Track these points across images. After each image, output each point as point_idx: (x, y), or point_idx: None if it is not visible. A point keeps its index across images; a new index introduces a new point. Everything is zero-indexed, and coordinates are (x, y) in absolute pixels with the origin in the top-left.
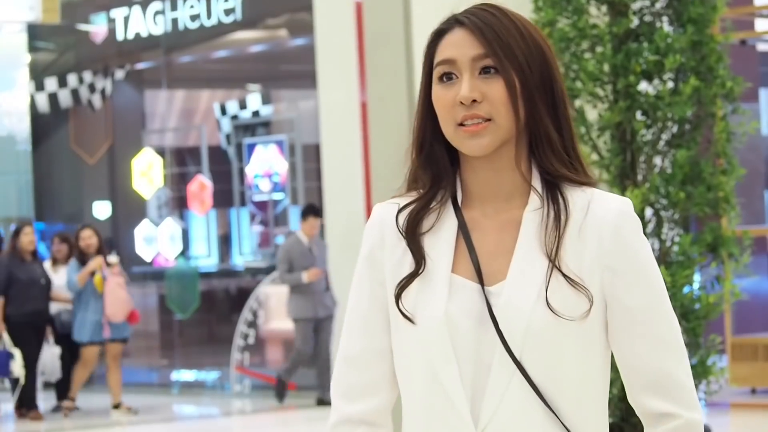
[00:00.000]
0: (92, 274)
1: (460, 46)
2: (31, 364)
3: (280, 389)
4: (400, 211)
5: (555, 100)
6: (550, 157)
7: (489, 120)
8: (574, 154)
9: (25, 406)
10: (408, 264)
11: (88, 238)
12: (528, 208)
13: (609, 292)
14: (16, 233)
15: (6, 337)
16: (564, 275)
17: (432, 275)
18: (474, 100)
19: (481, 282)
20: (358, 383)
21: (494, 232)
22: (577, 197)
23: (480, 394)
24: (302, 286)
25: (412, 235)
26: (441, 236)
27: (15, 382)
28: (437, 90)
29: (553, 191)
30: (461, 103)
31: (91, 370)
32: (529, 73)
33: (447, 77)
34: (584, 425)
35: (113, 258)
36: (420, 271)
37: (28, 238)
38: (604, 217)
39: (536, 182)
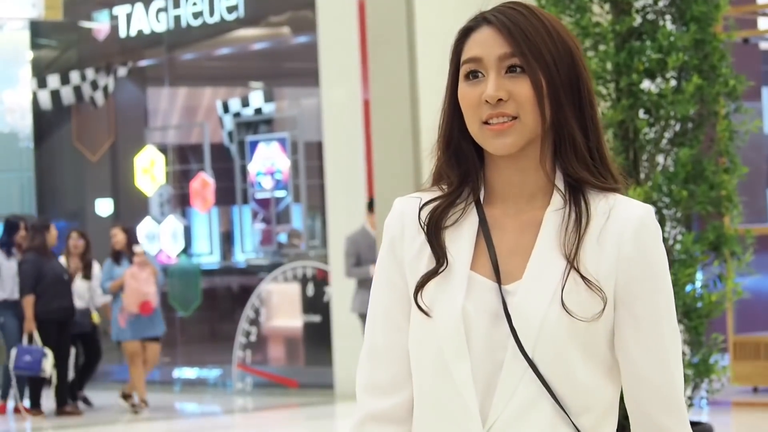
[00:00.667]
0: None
1: (487, 45)
2: (62, 360)
3: None
4: (423, 205)
5: (582, 102)
6: (573, 160)
7: (515, 118)
8: (599, 156)
9: (63, 402)
10: (426, 258)
11: (115, 236)
12: (549, 209)
13: (620, 298)
14: (42, 229)
15: (36, 335)
16: (582, 276)
17: (451, 272)
18: (500, 99)
19: (498, 280)
20: (384, 379)
21: (515, 231)
22: (599, 201)
23: (491, 391)
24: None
25: (435, 231)
26: (462, 233)
27: (29, 381)
28: (463, 88)
29: (576, 194)
30: (487, 101)
31: (142, 365)
32: (556, 74)
33: (473, 75)
34: (593, 425)
35: (138, 248)
36: (441, 270)
37: (57, 234)
38: (626, 223)
39: (559, 183)
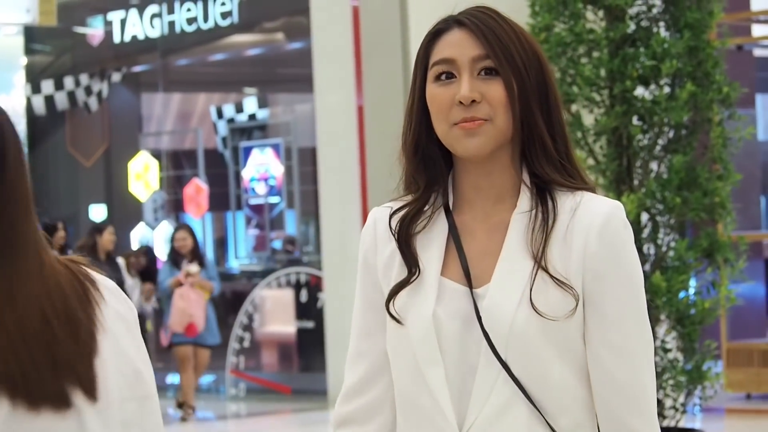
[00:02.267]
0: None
1: (460, 46)
2: None
3: None
4: (394, 213)
5: (549, 105)
6: (542, 161)
7: (487, 121)
8: (567, 159)
9: None
10: (397, 266)
11: (182, 240)
12: (516, 211)
13: (588, 295)
14: (97, 232)
15: None
16: (551, 276)
17: (422, 278)
18: (473, 101)
19: (470, 284)
20: (351, 383)
21: (484, 235)
22: (566, 200)
23: (466, 395)
24: None
25: (405, 238)
26: (432, 239)
27: None
28: (433, 89)
29: (542, 194)
30: (460, 103)
31: (192, 370)
32: (527, 77)
33: (446, 76)
34: (570, 425)
35: (193, 268)
36: (412, 279)
37: (111, 238)
38: (592, 220)
39: (527, 185)
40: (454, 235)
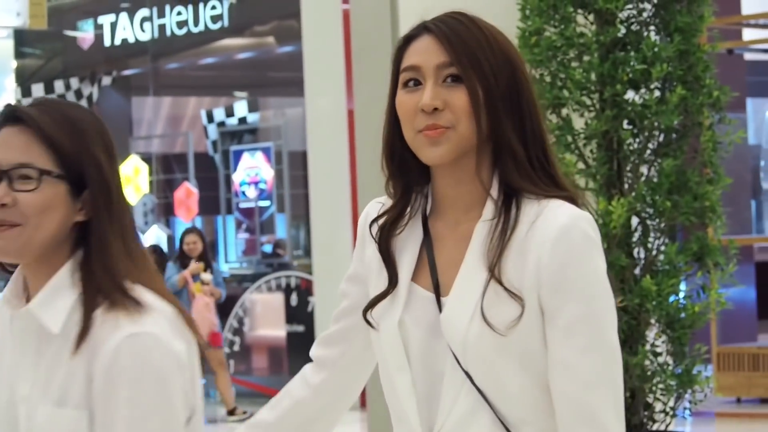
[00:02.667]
0: (192, 278)
1: (425, 53)
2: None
3: None
4: (377, 218)
5: (522, 113)
6: (512, 168)
7: (451, 128)
8: (539, 166)
9: None
10: (376, 269)
11: (192, 243)
12: (480, 220)
13: (545, 310)
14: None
15: None
16: (504, 287)
17: (395, 285)
18: (436, 108)
19: (437, 292)
20: (327, 334)
21: (452, 243)
22: (530, 209)
23: (435, 401)
24: None
25: (386, 246)
26: (407, 246)
27: None
28: (401, 95)
29: (509, 203)
30: (423, 110)
31: (227, 374)
32: (495, 84)
33: (413, 83)
34: None
35: (207, 276)
36: (391, 291)
37: (192, 246)
38: (549, 231)
39: (494, 193)
40: (426, 242)
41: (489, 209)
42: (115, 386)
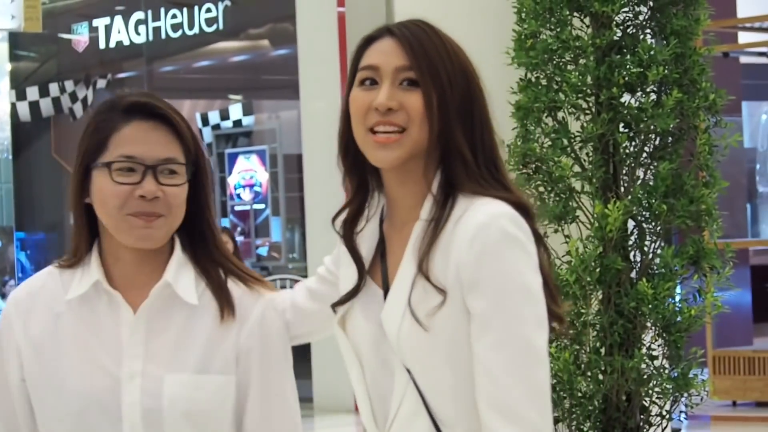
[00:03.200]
0: None
1: (386, 54)
2: None
3: None
4: (337, 215)
5: (473, 121)
6: (460, 170)
7: (403, 131)
8: (487, 171)
9: None
10: (345, 265)
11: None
12: (419, 219)
13: (468, 304)
14: None
15: None
16: (430, 282)
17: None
18: (390, 109)
19: (386, 292)
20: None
21: (398, 244)
22: (461, 207)
23: (388, 397)
24: None
25: (350, 243)
26: (365, 246)
27: None
28: (355, 92)
29: (445, 202)
30: (377, 109)
31: None
32: (449, 92)
33: (370, 82)
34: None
35: None
36: (360, 290)
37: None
38: (467, 228)
39: (434, 194)
40: (380, 243)
41: (426, 209)
42: (272, 345)
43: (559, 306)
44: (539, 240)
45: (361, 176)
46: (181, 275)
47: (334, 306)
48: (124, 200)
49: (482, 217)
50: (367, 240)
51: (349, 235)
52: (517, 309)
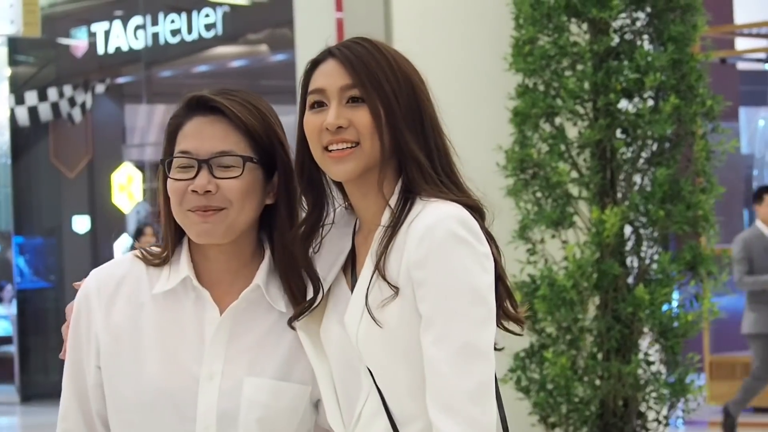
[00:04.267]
0: None
1: (330, 76)
2: None
3: (731, 426)
4: (293, 232)
5: (424, 129)
6: (419, 177)
7: (356, 145)
8: (444, 174)
9: None
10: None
11: None
12: (380, 227)
13: (418, 303)
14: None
15: None
16: (385, 281)
17: (325, 284)
18: (340, 127)
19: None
20: None
21: (365, 251)
22: (415, 209)
23: (354, 398)
24: (763, 294)
25: (304, 260)
26: (330, 257)
27: None
28: (307, 116)
29: (403, 206)
30: (327, 129)
31: None
32: (396, 104)
33: (318, 105)
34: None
35: None
36: (317, 301)
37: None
38: (417, 229)
39: (393, 201)
40: (351, 250)
41: (386, 216)
42: None
43: (515, 306)
44: (491, 240)
45: (316, 196)
46: (271, 279)
47: (291, 320)
48: (181, 196)
49: (430, 218)
50: (333, 253)
51: (303, 252)
52: (460, 307)
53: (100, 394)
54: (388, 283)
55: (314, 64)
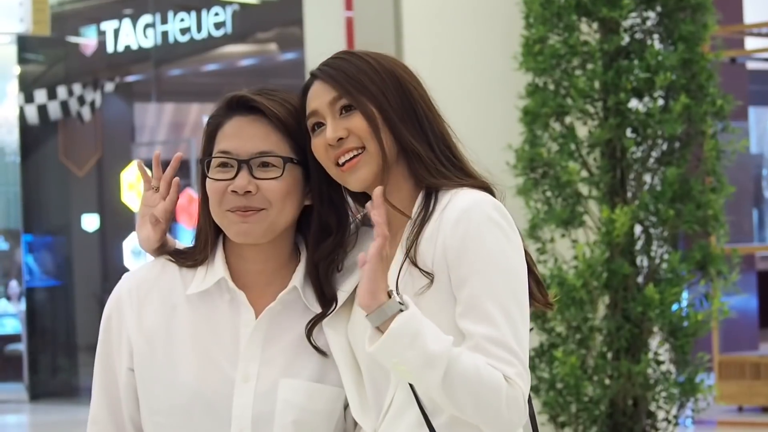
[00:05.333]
0: None
1: (318, 96)
2: None
3: None
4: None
5: (418, 117)
6: (423, 171)
7: (362, 150)
8: (447, 161)
9: None
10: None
11: None
12: (409, 220)
13: (454, 287)
14: None
15: None
16: (417, 267)
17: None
18: (341, 139)
19: None
20: None
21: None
22: (444, 199)
23: (383, 391)
24: None
25: (326, 278)
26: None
27: None
28: (313, 140)
29: (429, 199)
30: (330, 145)
31: None
32: (385, 101)
33: (318, 126)
34: (448, 424)
35: None
36: (328, 312)
37: None
38: (450, 215)
39: (420, 195)
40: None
41: (415, 210)
42: None
43: (544, 294)
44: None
45: (338, 218)
46: (308, 281)
47: (308, 328)
48: (221, 196)
49: (465, 203)
50: (356, 264)
51: (324, 272)
52: (503, 287)
53: (133, 397)
54: (421, 270)
55: (304, 92)
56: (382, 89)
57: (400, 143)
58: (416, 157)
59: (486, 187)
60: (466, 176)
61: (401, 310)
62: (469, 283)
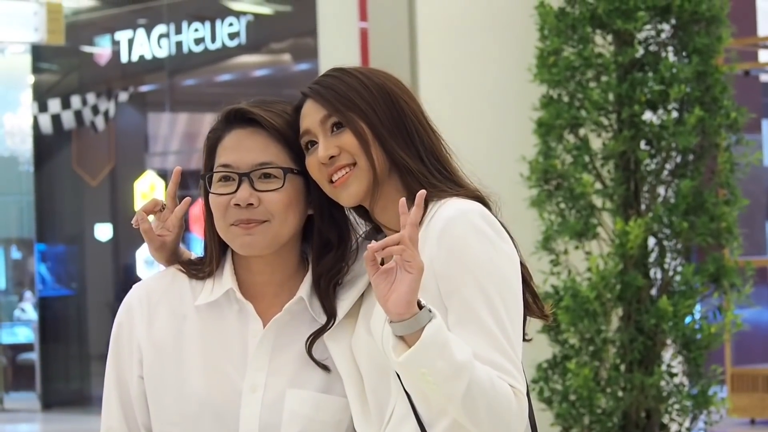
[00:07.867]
0: None
1: (309, 115)
2: None
3: None
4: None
5: (409, 132)
6: (414, 184)
7: (353, 165)
8: (438, 173)
9: None
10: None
11: None
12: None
13: (444, 298)
14: None
15: None
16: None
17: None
18: (332, 156)
19: None
20: None
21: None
22: (431, 209)
23: (384, 403)
24: None
25: (327, 297)
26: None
27: None
28: (307, 159)
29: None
30: (323, 163)
31: None
32: (375, 117)
33: (311, 144)
34: (445, 429)
35: None
36: (328, 327)
37: None
38: (435, 226)
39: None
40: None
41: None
42: None
43: (541, 305)
44: (507, 231)
45: (339, 233)
46: (314, 292)
47: (309, 342)
48: (224, 210)
49: (452, 212)
50: (356, 278)
51: (326, 286)
52: (497, 300)
53: (145, 405)
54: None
55: (297, 110)
56: (372, 105)
57: (391, 157)
58: (407, 171)
59: (479, 198)
60: (457, 187)
61: (431, 320)
62: (458, 293)
